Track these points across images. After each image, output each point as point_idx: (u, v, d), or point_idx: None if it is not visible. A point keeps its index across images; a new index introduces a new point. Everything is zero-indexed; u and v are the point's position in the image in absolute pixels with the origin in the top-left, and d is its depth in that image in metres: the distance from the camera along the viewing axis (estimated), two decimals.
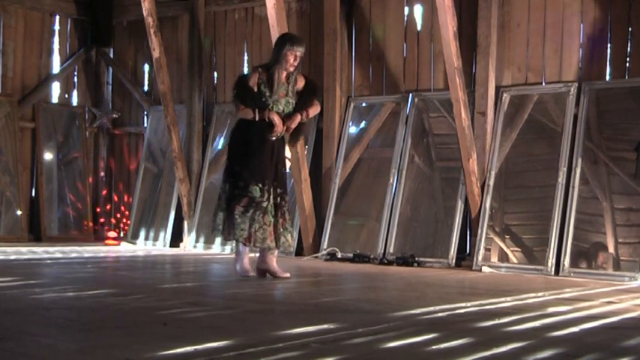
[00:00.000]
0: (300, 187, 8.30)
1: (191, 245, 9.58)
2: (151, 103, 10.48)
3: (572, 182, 7.12)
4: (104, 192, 11.02)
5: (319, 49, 8.80)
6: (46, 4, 10.45)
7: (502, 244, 7.46)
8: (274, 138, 6.06)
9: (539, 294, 5.49)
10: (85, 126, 10.81)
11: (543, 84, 7.65)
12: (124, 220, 10.75)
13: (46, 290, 5.23)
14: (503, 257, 7.43)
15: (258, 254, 6.26)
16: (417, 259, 7.71)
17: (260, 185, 5.96)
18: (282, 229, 6.07)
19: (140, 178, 10.37)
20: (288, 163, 6.55)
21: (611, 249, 6.93)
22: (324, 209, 8.49)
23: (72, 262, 7.57)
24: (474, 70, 7.81)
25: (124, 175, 10.95)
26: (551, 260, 7.02)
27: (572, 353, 3.34)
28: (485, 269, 7.28)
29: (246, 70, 9.51)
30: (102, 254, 8.64)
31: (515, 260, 7.39)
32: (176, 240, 9.79)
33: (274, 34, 7.85)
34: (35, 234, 10.17)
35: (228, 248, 9.18)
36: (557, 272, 6.98)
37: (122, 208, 10.87)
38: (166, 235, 9.88)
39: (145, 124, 10.61)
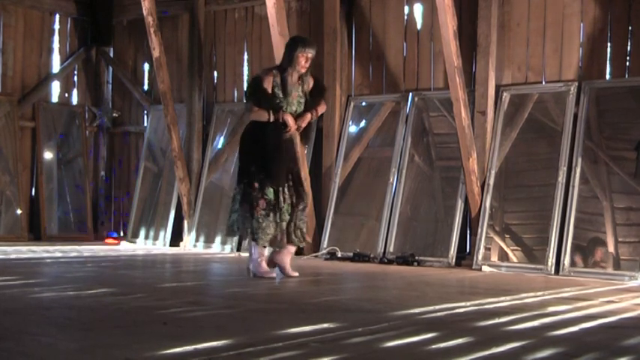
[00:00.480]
0: None
1: (191, 244, 9.58)
2: (151, 103, 10.48)
3: (572, 181, 7.11)
4: (104, 191, 11.02)
5: (319, 49, 8.75)
6: (45, 4, 10.45)
7: (502, 244, 7.46)
8: (287, 137, 6.14)
9: (539, 293, 5.49)
10: (85, 125, 10.81)
11: (543, 83, 7.64)
12: (124, 220, 10.74)
13: (46, 289, 5.23)
14: (503, 256, 7.43)
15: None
16: (417, 258, 7.71)
17: (275, 187, 6.04)
18: (294, 228, 6.14)
19: (140, 177, 10.37)
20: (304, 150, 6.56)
21: (611, 248, 6.93)
22: (324, 208, 8.49)
23: (72, 262, 7.57)
24: (474, 70, 7.81)
25: (123, 175, 10.94)
26: (551, 259, 7.02)
27: (571, 353, 3.33)
28: (485, 268, 7.28)
29: (242, 72, 9.51)
30: (102, 253, 8.64)
31: (515, 259, 7.39)
32: (176, 239, 9.79)
33: (274, 34, 7.86)
34: (35, 233, 10.17)
35: (227, 247, 9.19)
36: (557, 271, 6.98)
37: (122, 207, 10.87)
38: (166, 234, 9.89)
39: (145, 124, 10.61)
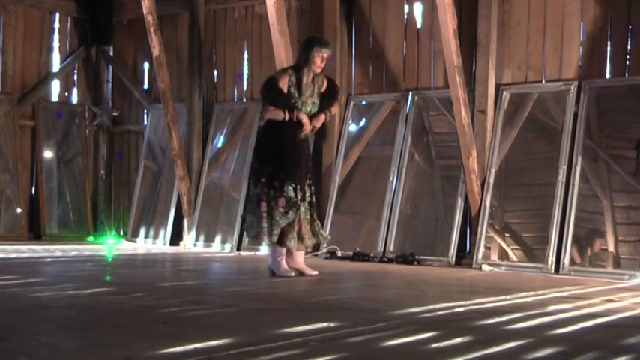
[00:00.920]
0: None
1: (191, 243, 9.58)
2: (151, 102, 10.48)
3: (572, 180, 7.11)
4: (104, 190, 11.02)
5: None
6: (45, 3, 10.45)
7: (502, 242, 7.46)
8: (302, 136, 6.23)
9: (539, 292, 5.49)
10: (85, 124, 10.81)
11: (543, 82, 7.64)
12: (124, 219, 10.74)
13: (46, 289, 5.23)
14: (503, 255, 7.43)
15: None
16: (416, 257, 7.71)
17: (293, 185, 6.11)
18: (317, 225, 6.27)
19: (140, 176, 10.37)
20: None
21: (611, 247, 6.93)
22: (324, 207, 8.49)
23: (72, 261, 7.57)
24: (473, 69, 7.81)
25: (123, 174, 10.94)
26: (551, 258, 7.03)
27: (571, 352, 3.34)
28: (485, 267, 7.28)
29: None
30: (102, 252, 8.64)
31: (515, 258, 7.39)
32: (176, 238, 9.79)
33: (274, 33, 7.87)
34: (35, 232, 10.17)
35: (227, 246, 9.19)
36: (557, 270, 6.98)
37: (122, 206, 10.86)
38: (166, 233, 9.89)
39: (145, 123, 10.61)
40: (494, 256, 7.42)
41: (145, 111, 10.68)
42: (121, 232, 10.70)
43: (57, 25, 10.68)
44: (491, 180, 7.56)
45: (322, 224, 8.31)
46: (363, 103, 8.73)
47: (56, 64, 10.67)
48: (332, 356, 3.15)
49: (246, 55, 9.76)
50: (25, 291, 5.01)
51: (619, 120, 7.25)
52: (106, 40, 10.85)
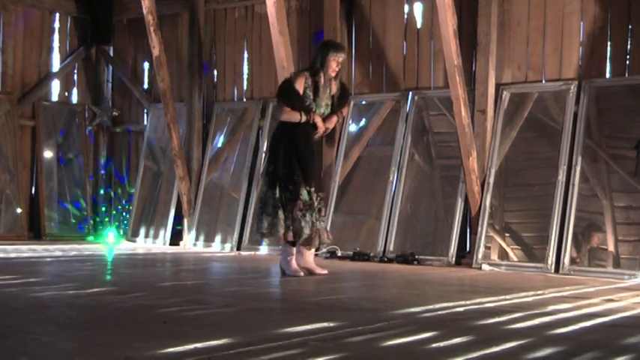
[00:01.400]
0: None
1: (191, 243, 9.58)
2: (151, 101, 10.48)
3: (572, 180, 7.11)
4: (104, 190, 11.02)
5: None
6: (45, 2, 10.45)
7: (502, 242, 7.46)
8: (316, 138, 6.35)
9: (539, 292, 5.49)
10: (85, 124, 10.81)
11: (543, 82, 7.64)
12: (124, 219, 10.74)
13: (46, 288, 5.23)
14: (503, 255, 7.43)
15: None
16: (417, 257, 7.71)
17: (308, 188, 6.21)
18: (322, 227, 6.34)
19: (140, 176, 10.37)
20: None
21: (611, 247, 6.93)
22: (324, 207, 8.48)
23: (72, 261, 7.57)
24: (474, 68, 7.81)
25: (123, 174, 10.94)
26: (551, 258, 7.03)
27: (571, 351, 3.34)
28: (485, 267, 7.28)
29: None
30: (102, 252, 8.64)
31: (515, 258, 7.39)
32: (176, 238, 9.79)
33: (274, 33, 7.87)
34: (35, 232, 10.17)
35: (227, 246, 9.19)
36: (557, 270, 6.98)
37: (122, 206, 10.87)
38: (166, 233, 9.89)
39: (145, 122, 10.61)
40: (494, 256, 7.42)
41: (145, 111, 10.68)
42: (121, 232, 10.70)
43: (57, 24, 10.68)
44: (491, 180, 7.56)
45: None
46: (363, 103, 8.73)
47: (56, 64, 10.67)
48: (332, 356, 3.15)
49: (246, 55, 9.76)
50: (25, 291, 5.01)
51: (619, 120, 7.25)
52: (106, 40, 10.85)
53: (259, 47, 9.56)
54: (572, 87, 7.38)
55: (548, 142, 7.47)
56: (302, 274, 6.26)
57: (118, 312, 4.26)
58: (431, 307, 4.60)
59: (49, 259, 7.65)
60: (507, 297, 5.14)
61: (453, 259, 7.60)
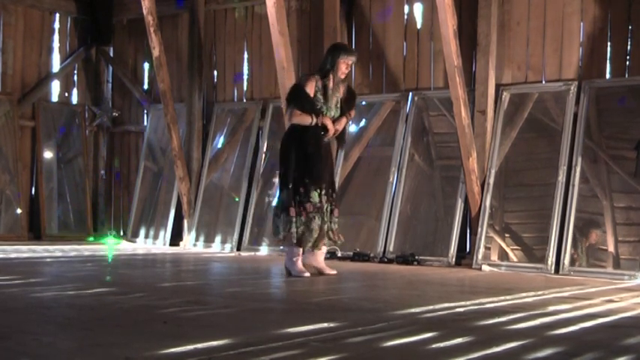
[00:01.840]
0: None
1: (191, 244, 9.58)
2: (151, 102, 10.48)
3: (572, 181, 7.11)
4: (104, 190, 11.01)
5: (319, 48, 8.79)
6: (45, 3, 10.45)
7: (502, 243, 7.46)
8: (326, 140, 6.39)
9: (539, 292, 5.49)
10: (85, 124, 10.81)
11: (543, 82, 7.64)
12: (124, 219, 10.74)
13: (46, 289, 5.23)
14: (503, 256, 7.43)
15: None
16: (417, 257, 7.71)
17: (318, 190, 6.26)
18: (333, 227, 6.37)
19: (140, 176, 10.37)
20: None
21: (611, 248, 6.93)
22: None
23: (72, 261, 7.57)
24: (474, 69, 7.81)
25: (123, 174, 10.94)
26: (551, 259, 7.02)
27: (571, 352, 3.34)
28: (485, 268, 7.28)
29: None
30: (102, 253, 8.64)
31: (515, 259, 7.39)
32: (176, 238, 9.79)
33: (274, 33, 7.86)
34: (35, 232, 10.17)
35: (227, 247, 9.19)
36: (557, 271, 6.98)
37: (122, 206, 10.86)
38: (166, 233, 9.89)
39: (145, 123, 10.61)
40: (494, 257, 7.42)
41: (145, 111, 10.68)
42: (121, 233, 10.69)
43: (57, 25, 10.68)
44: (491, 180, 7.56)
45: None
46: (363, 103, 8.72)
47: (56, 65, 10.67)
48: (332, 356, 3.14)
49: (246, 56, 9.76)
50: (26, 291, 5.01)
51: (619, 120, 7.25)
52: (106, 41, 10.85)
53: (259, 47, 9.56)
54: (572, 87, 7.38)
55: (548, 143, 7.47)
56: (307, 274, 6.29)
57: (119, 312, 4.26)
58: (431, 307, 4.60)
59: (49, 260, 7.65)
60: (508, 297, 5.14)
61: (453, 259, 7.60)
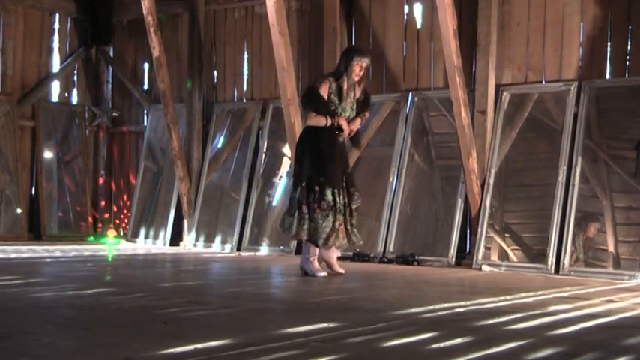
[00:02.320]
0: None
1: (191, 244, 9.58)
2: (151, 102, 10.48)
3: (572, 181, 7.12)
4: (104, 190, 11.01)
5: (319, 48, 8.80)
6: (45, 3, 10.45)
7: (502, 243, 7.46)
8: (341, 140, 6.45)
9: (539, 292, 5.49)
10: (85, 125, 10.81)
11: (543, 82, 7.65)
12: (124, 219, 10.75)
13: (46, 289, 5.23)
14: (503, 256, 7.43)
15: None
16: (417, 257, 7.71)
17: (332, 189, 6.31)
18: (350, 226, 6.42)
19: (140, 176, 10.37)
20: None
21: (611, 248, 6.93)
22: None
23: (72, 261, 7.57)
24: (474, 69, 7.81)
25: (124, 174, 10.95)
26: (551, 259, 7.03)
27: (571, 352, 3.34)
28: (485, 268, 7.28)
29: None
30: (102, 253, 8.64)
31: (515, 259, 7.39)
32: (176, 238, 9.79)
33: (274, 33, 7.86)
34: (35, 233, 10.17)
35: (227, 247, 9.19)
36: (557, 271, 6.98)
37: (122, 206, 10.87)
38: (166, 233, 9.89)
39: (145, 123, 10.61)
40: (494, 257, 7.42)
41: (145, 111, 10.68)
42: (121, 233, 10.69)
43: (57, 25, 10.68)
44: (491, 180, 7.56)
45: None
46: None
47: (56, 65, 10.67)
48: (332, 356, 3.14)
49: (246, 56, 9.76)
50: (25, 291, 5.01)
51: (619, 120, 7.25)
52: (106, 41, 10.85)
53: (259, 48, 9.56)
54: (572, 88, 7.38)
55: (548, 143, 7.47)
56: (324, 274, 6.37)
57: (119, 312, 4.26)
58: (431, 307, 4.60)
59: (49, 260, 7.65)
60: (507, 297, 5.14)
61: (453, 259, 7.60)
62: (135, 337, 3.48)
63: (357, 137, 6.75)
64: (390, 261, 7.82)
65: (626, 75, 7.26)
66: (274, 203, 9.12)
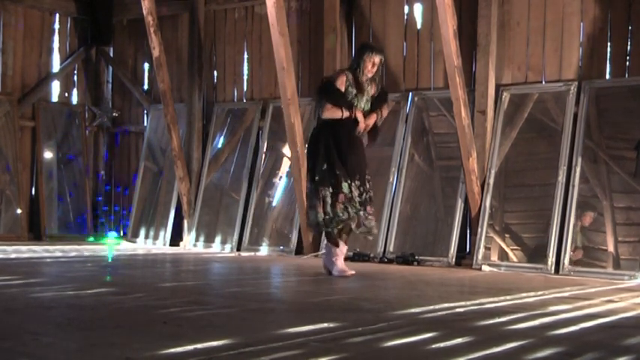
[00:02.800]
0: (300, 186, 8.29)
1: (191, 244, 9.58)
2: (151, 102, 10.48)
3: (572, 181, 7.12)
4: (104, 191, 11.02)
5: (319, 48, 8.80)
6: (45, 3, 10.45)
7: (502, 243, 7.46)
8: (357, 133, 6.45)
9: (539, 293, 5.49)
10: (85, 125, 10.81)
11: (543, 83, 7.65)
12: (124, 219, 10.74)
13: (46, 289, 5.23)
14: (503, 256, 7.43)
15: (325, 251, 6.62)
16: (417, 257, 7.71)
17: (349, 181, 6.32)
18: (365, 218, 6.39)
19: (140, 176, 10.37)
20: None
21: (611, 248, 6.93)
22: None
23: (72, 261, 7.57)
24: (474, 69, 7.81)
25: (123, 174, 10.95)
26: (551, 259, 7.03)
27: (571, 352, 3.33)
28: (485, 268, 7.28)
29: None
30: (102, 253, 8.64)
31: (515, 259, 7.39)
32: (176, 239, 9.79)
33: (274, 33, 7.86)
34: (35, 233, 10.17)
35: (227, 247, 9.19)
36: (557, 271, 6.98)
37: (122, 206, 10.87)
38: (166, 233, 9.89)
39: (145, 123, 10.61)
40: (494, 257, 7.42)
41: (145, 111, 10.68)
42: (121, 233, 10.69)
43: (57, 25, 10.68)
44: (491, 180, 7.56)
45: None
46: None
47: (56, 65, 10.68)
48: (332, 357, 3.14)
49: (246, 56, 9.76)
50: (25, 291, 5.01)
51: (619, 120, 7.25)
52: (106, 41, 10.85)
53: (259, 48, 9.56)
54: (572, 88, 7.38)
55: (548, 143, 7.47)
56: (351, 272, 6.38)
57: (119, 313, 4.26)
58: (431, 307, 4.60)
59: (49, 260, 7.65)
60: (508, 297, 5.14)
61: (453, 259, 7.60)
62: (135, 337, 3.47)
63: (375, 134, 6.69)
64: (390, 261, 7.82)
65: (626, 75, 7.26)
66: (274, 203, 9.12)
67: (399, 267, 7.52)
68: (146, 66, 10.71)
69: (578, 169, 7.11)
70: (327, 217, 6.27)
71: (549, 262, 7.03)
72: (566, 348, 3.41)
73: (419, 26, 8.46)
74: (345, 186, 6.29)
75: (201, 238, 9.55)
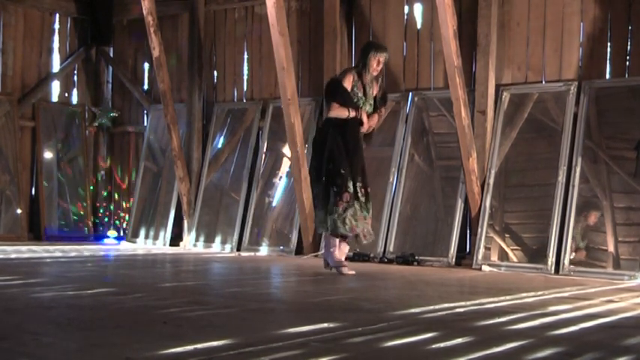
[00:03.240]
0: (300, 186, 8.30)
1: (191, 244, 9.58)
2: (151, 102, 10.48)
3: (572, 181, 7.12)
4: (104, 191, 11.01)
5: (319, 48, 8.80)
6: (46, 3, 10.45)
7: (502, 243, 7.46)
8: (363, 133, 6.51)
9: (539, 293, 5.49)
10: (85, 125, 10.81)
11: (543, 83, 7.65)
12: (124, 219, 10.74)
13: (46, 289, 5.23)
14: (503, 256, 7.43)
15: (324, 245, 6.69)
16: (417, 257, 7.71)
17: (353, 181, 6.38)
18: (369, 231, 6.51)
19: (140, 177, 10.37)
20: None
21: (611, 248, 6.93)
22: None
23: (72, 261, 7.57)
24: (473, 69, 7.81)
25: (123, 174, 10.94)
26: (551, 259, 7.03)
27: (571, 352, 3.33)
28: (485, 268, 7.28)
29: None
30: (102, 253, 8.64)
31: (515, 259, 7.39)
32: (176, 239, 9.79)
33: (274, 33, 7.87)
34: (35, 233, 10.17)
35: (227, 247, 9.19)
36: (557, 271, 6.98)
37: (122, 206, 10.86)
38: (166, 233, 9.89)
39: (145, 123, 10.61)
40: (494, 257, 7.42)
41: (145, 111, 10.68)
42: (121, 233, 10.69)
43: (57, 25, 10.68)
44: (491, 181, 7.56)
45: None
46: None
47: (56, 65, 10.67)
48: (333, 357, 3.14)
49: (246, 56, 9.76)
50: (25, 291, 5.01)
51: (619, 120, 7.25)
52: (106, 41, 10.85)
53: (259, 48, 9.56)
54: (572, 88, 7.38)
55: (548, 143, 7.47)
56: (346, 264, 6.46)
57: (119, 313, 4.26)
58: (431, 307, 4.60)
59: (49, 260, 7.65)
60: (508, 298, 5.14)
61: (453, 259, 7.60)
62: (135, 337, 3.47)
63: (371, 133, 6.77)
64: (390, 261, 7.82)
65: (626, 75, 7.26)
66: (274, 203, 9.12)
67: (399, 267, 7.52)
68: (146, 66, 10.71)
69: (578, 169, 7.11)
70: (339, 215, 6.31)
71: (549, 262, 7.03)
72: (566, 348, 3.41)
73: (419, 26, 8.46)
74: (350, 185, 6.34)
75: (201, 238, 9.55)
